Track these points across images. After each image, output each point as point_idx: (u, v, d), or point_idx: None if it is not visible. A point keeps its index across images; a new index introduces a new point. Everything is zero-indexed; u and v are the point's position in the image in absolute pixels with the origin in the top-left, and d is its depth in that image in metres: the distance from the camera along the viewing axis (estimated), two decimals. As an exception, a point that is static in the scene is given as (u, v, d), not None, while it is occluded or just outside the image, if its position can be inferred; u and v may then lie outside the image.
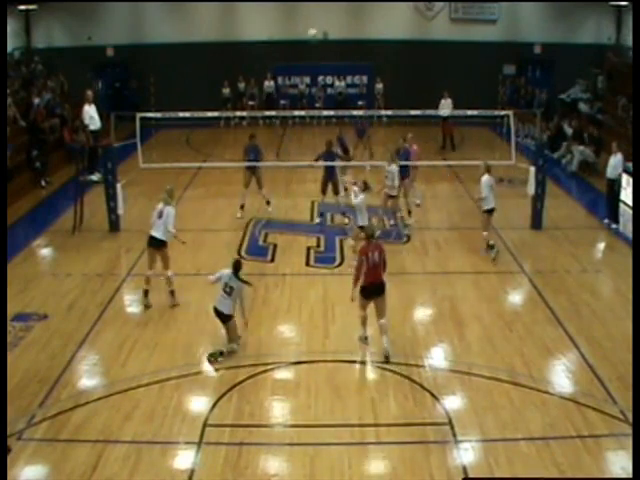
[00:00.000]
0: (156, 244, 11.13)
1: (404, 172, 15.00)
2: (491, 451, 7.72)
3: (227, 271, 9.73)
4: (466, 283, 12.32)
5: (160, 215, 11.07)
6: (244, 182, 15.51)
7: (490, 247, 13.20)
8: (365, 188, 13.00)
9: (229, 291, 9.62)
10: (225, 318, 9.70)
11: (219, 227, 14.97)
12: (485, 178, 13.06)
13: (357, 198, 12.89)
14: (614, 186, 15.15)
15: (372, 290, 9.68)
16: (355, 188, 13.00)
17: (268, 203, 15.79)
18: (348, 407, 8.63)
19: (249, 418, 8.38)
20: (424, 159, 17.17)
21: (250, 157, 15.53)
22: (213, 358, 9.65)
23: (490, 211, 13.20)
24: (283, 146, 22.76)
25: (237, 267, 9.75)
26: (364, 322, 9.98)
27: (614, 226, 14.91)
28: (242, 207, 15.46)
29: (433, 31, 26.73)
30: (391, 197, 14.43)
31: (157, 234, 11.07)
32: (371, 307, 9.80)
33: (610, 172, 15.13)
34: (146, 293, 11.30)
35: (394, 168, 14.26)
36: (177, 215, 11.24)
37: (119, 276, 12.58)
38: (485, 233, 13.31)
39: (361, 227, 12.63)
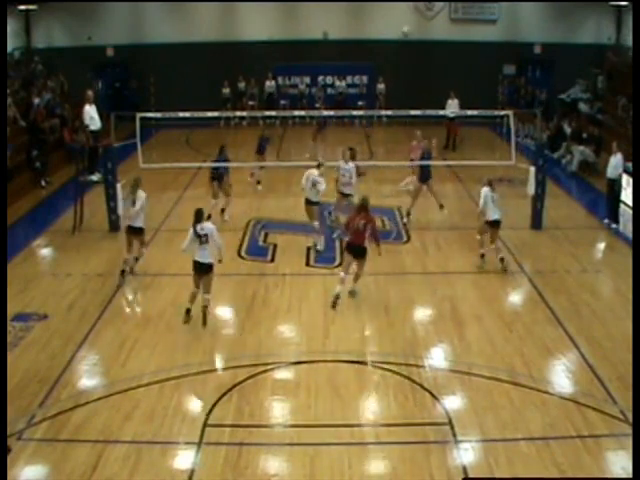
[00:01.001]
0: (135, 232, 12.22)
1: (427, 172, 15.25)
2: (491, 451, 7.72)
3: (191, 229, 10.40)
4: (466, 283, 12.32)
5: (133, 203, 12.06)
6: (212, 193, 15.21)
7: (481, 256, 12.72)
8: (318, 165, 13.67)
9: (205, 240, 10.36)
10: (208, 269, 10.45)
11: (219, 227, 14.92)
12: (483, 190, 12.56)
13: (321, 183, 13.46)
14: (614, 186, 15.15)
15: (353, 249, 11.27)
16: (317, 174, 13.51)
17: (222, 211, 15.30)
18: (348, 407, 8.62)
19: (249, 418, 8.38)
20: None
21: (220, 168, 15.16)
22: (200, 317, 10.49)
23: (492, 223, 12.51)
24: (283, 146, 22.77)
25: (199, 215, 10.50)
26: (342, 282, 11.20)
27: (614, 226, 14.91)
28: (209, 217, 14.19)
29: (433, 31, 26.74)
30: (346, 196, 14.33)
31: (135, 223, 12.16)
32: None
33: (610, 172, 15.12)
34: (122, 273, 12.21)
35: (350, 166, 14.30)
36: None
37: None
38: (478, 237, 12.80)
39: (310, 201, 13.58)
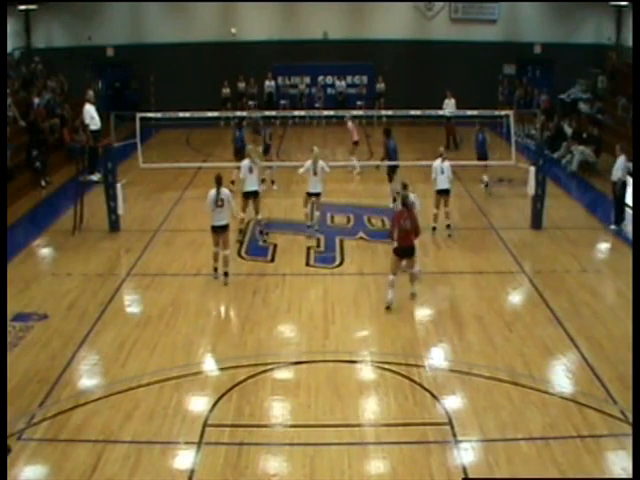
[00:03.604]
0: (253, 195, 13.83)
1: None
2: (491, 451, 7.72)
3: (212, 191, 11.72)
4: (466, 283, 12.31)
5: (251, 170, 13.62)
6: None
7: (433, 229, 14.22)
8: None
9: (222, 204, 11.72)
10: (225, 229, 11.94)
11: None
12: (435, 163, 14.24)
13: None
14: (617, 189, 15.01)
15: (404, 250, 11.16)
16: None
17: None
18: (348, 407, 8.62)
19: (249, 418, 8.38)
20: (424, 159, 17.17)
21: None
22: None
23: (440, 192, 14.16)
24: (283, 146, 22.75)
25: (219, 181, 11.81)
26: (392, 285, 11.09)
27: (613, 227, 14.87)
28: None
29: (433, 31, 26.76)
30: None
31: (254, 187, 13.76)
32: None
33: (613, 175, 15.00)
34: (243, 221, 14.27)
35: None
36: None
37: (119, 276, 12.58)
38: (435, 211, 14.30)
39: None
